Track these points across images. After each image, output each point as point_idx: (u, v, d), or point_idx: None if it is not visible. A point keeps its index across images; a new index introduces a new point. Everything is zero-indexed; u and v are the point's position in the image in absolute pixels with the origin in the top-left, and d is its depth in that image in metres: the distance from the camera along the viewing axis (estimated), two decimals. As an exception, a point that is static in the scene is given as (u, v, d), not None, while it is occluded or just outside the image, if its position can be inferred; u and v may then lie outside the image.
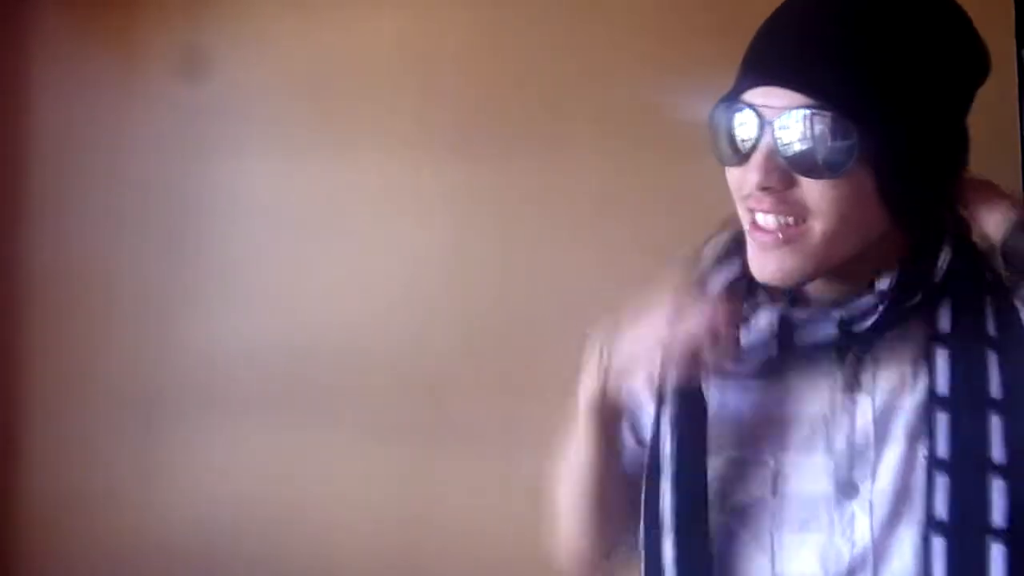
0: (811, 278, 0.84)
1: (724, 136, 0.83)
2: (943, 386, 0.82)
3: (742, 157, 0.81)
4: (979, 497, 0.80)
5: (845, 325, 0.84)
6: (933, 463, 0.81)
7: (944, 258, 0.83)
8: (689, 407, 0.92)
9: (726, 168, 0.84)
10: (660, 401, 0.94)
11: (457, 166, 1.53)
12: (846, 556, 0.85)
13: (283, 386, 1.61)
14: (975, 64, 0.87)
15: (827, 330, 0.85)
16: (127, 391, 1.69)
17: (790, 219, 0.81)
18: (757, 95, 0.80)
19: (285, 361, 1.61)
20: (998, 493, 0.79)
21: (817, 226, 0.80)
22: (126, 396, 1.69)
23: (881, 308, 0.83)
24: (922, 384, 0.85)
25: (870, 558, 0.84)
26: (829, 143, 0.77)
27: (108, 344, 1.71)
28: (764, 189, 0.80)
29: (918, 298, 0.83)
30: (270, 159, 1.64)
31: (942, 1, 0.84)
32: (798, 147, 0.78)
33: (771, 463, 0.89)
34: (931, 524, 0.81)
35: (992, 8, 1.27)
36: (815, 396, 0.88)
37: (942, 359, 0.83)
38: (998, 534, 0.79)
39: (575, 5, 1.48)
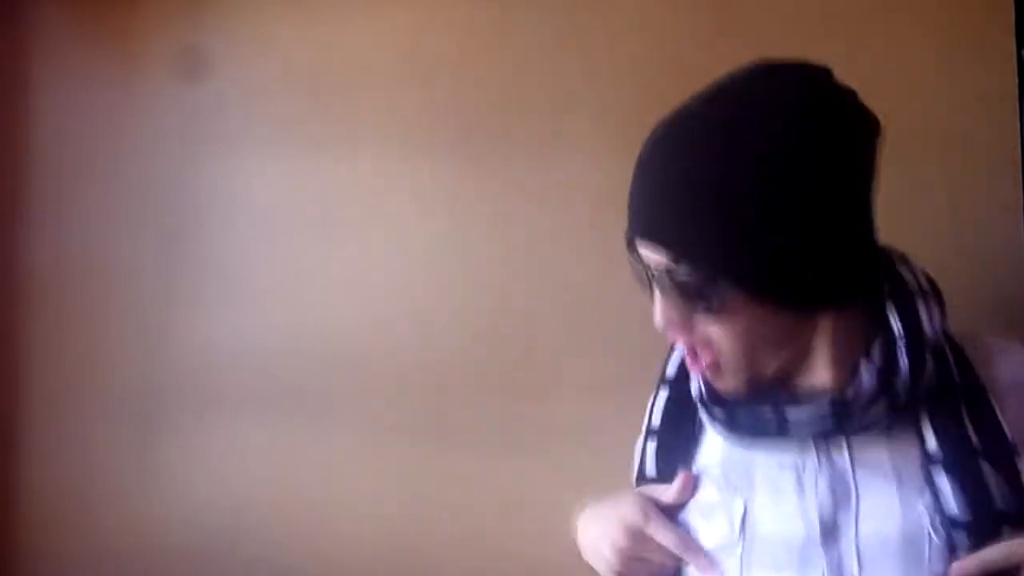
0: (755, 386, 0.87)
1: (635, 270, 0.88)
2: (951, 506, 0.83)
3: (650, 293, 0.87)
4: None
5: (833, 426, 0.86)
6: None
7: (903, 362, 0.84)
8: (666, 462, 0.97)
9: None
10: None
11: (457, 165, 1.53)
12: None
13: (282, 386, 1.61)
14: (856, 147, 0.85)
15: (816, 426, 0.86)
16: (127, 391, 1.69)
17: (702, 348, 0.86)
18: (642, 246, 0.86)
19: (284, 361, 1.61)
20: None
21: (725, 348, 0.85)
22: (126, 396, 1.69)
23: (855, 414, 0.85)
24: (908, 444, 0.86)
25: None
26: (703, 292, 0.82)
27: (108, 344, 1.71)
28: (669, 328, 0.87)
29: (883, 404, 0.84)
30: (270, 159, 1.64)
31: (809, 102, 0.83)
32: (680, 296, 0.84)
33: (739, 504, 0.90)
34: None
35: (992, 8, 1.27)
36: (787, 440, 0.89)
37: (941, 480, 0.84)
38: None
39: (575, 4, 1.48)
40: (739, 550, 0.88)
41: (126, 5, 1.71)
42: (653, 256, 0.84)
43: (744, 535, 0.89)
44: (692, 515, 0.93)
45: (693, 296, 0.83)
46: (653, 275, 0.85)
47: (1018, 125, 1.25)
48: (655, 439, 0.99)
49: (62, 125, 1.75)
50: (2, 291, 1.76)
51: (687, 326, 0.86)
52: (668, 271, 0.83)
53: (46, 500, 1.74)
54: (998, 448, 0.83)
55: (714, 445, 0.95)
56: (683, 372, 0.98)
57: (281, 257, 1.62)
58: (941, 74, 1.29)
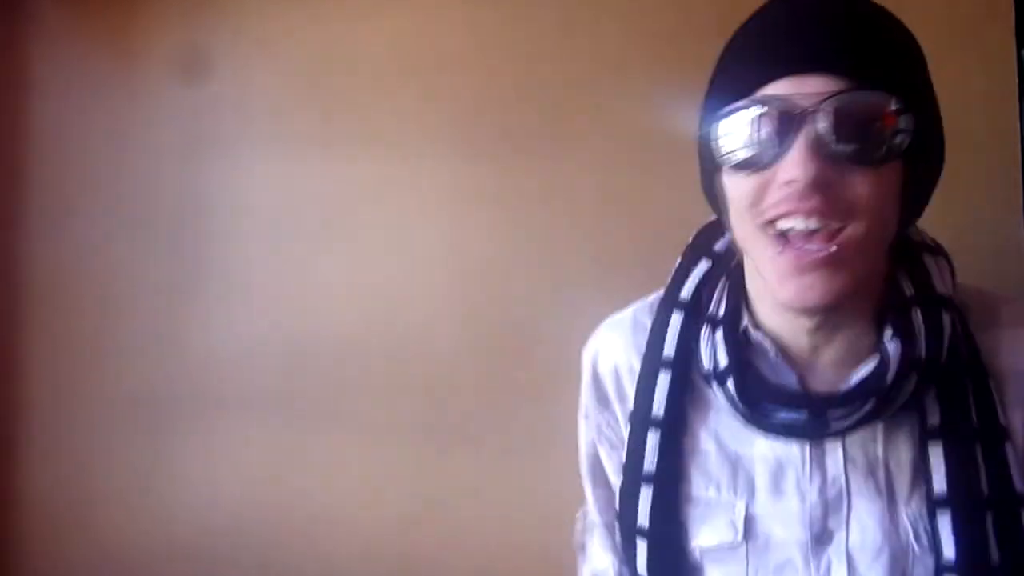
0: (848, 297, 0.76)
1: (732, 141, 0.75)
2: (941, 484, 0.81)
3: (767, 159, 0.74)
4: (983, 538, 0.80)
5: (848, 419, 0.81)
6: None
7: (947, 321, 0.81)
8: (668, 454, 0.90)
9: (729, 179, 0.78)
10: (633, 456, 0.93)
11: (457, 165, 1.53)
12: None
13: (283, 386, 1.61)
14: None
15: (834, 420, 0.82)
16: (127, 391, 1.69)
17: (833, 223, 0.73)
18: (781, 87, 0.72)
19: (285, 361, 1.61)
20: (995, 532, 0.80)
21: (859, 228, 0.73)
22: (126, 396, 1.69)
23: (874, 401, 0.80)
24: (904, 445, 0.84)
25: None
26: (879, 125, 0.72)
27: (108, 344, 1.71)
28: (813, 186, 0.71)
29: (915, 380, 0.80)
30: (270, 159, 1.64)
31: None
32: (844, 135, 0.71)
33: (741, 506, 0.88)
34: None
35: (992, 8, 1.27)
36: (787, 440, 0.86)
37: (937, 457, 0.81)
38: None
39: (576, 4, 1.48)
40: (743, 552, 0.87)
41: (126, 4, 1.71)
42: (816, 87, 0.71)
43: (748, 538, 0.87)
44: (688, 510, 0.89)
45: (867, 132, 0.71)
46: (807, 115, 0.71)
47: (1018, 125, 1.25)
48: (668, 371, 0.89)
49: (62, 125, 1.75)
50: (2, 291, 1.76)
51: (836, 183, 0.72)
52: (842, 97, 0.71)
53: (46, 502, 1.73)
54: (992, 430, 0.81)
55: (709, 429, 0.89)
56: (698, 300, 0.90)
57: (281, 257, 1.62)
58: (941, 74, 1.28)
